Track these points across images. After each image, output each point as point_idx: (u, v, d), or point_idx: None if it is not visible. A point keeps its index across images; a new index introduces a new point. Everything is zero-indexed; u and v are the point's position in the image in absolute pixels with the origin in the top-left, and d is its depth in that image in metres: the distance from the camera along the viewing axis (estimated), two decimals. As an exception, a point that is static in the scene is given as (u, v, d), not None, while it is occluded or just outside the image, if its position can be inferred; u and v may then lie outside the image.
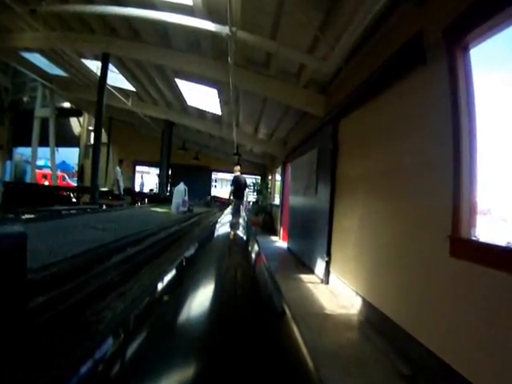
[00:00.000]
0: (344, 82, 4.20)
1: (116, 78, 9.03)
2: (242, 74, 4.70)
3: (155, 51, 5.30)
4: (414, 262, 2.54)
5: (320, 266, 4.51)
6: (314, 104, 4.79)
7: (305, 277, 4.63)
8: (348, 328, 3.02)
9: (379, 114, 3.28)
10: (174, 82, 6.45)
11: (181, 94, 7.13)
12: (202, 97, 7.02)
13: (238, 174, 7.05)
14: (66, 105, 17.07)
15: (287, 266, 5.56)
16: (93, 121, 17.61)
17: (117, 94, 8.71)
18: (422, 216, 2.47)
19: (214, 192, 19.12)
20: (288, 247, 7.02)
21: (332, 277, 4.24)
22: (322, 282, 4.38)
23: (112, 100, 10.07)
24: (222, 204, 5.97)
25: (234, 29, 3.34)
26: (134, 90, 8.52)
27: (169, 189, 11.52)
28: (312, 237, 4.96)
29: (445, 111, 2.25)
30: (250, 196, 17.62)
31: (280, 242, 8.09)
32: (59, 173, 20.60)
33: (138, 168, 16.80)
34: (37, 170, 24.35)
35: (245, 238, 1.37)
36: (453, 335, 2.00)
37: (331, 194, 4.25)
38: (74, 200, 7.81)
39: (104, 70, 5.74)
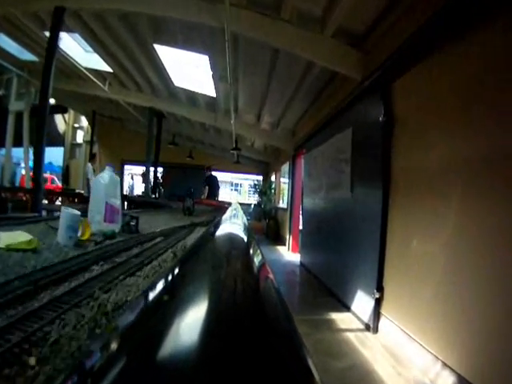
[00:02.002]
0: (396, 24, 2.72)
1: (90, 59, 7.65)
2: (242, 17, 3.21)
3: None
4: None
5: (363, 302, 3.00)
6: (346, 61, 3.30)
7: (337, 317, 3.11)
8: None
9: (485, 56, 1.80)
10: (154, 49, 4.95)
11: (164, 69, 5.63)
12: (190, 72, 5.54)
13: (210, 173, 7.38)
14: (52, 102, 15.69)
15: (305, 293, 4.05)
16: (79, 118, 16.24)
17: (89, 74, 7.25)
18: None
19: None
20: (301, 262, 5.49)
21: (385, 322, 2.72)
22: (366, 328, 2.86)
23: (87, 87, 8.64)
24: (216, 208, 4.46)
25: None
26: (110, 70, 7.02)
27: (157, 191, 10.05)
28: (345, 255, 3.45)
29: None
30: (251, 198, 16.11)
31: (289, 253, 6.56)
32: (48, 175, 19.37)
33: (135, 170, 15.37)
34: (24, 173, 23.16)
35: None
36: None
37: (384, 196, 2.75)
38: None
39: (56, 28, 4.24)
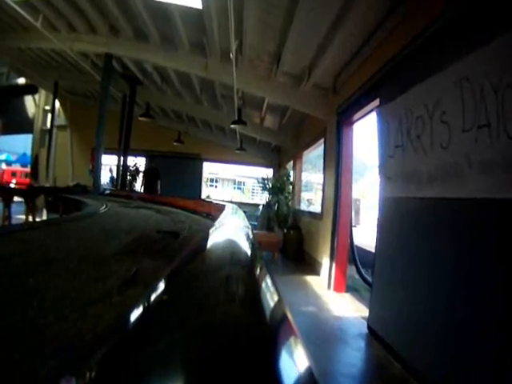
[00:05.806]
0: None
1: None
2: None
3: None
4: None
5: None
6: None
7: None
8: None
9: None
10: None
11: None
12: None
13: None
14: (22, 81, 13.38)
15: None
16: (51, 99, 13.59)
17: (13, 4, 4.55)
18: None
19: (213, 194, 14.66)
20: (374, 329, 2.67)
21: None
22: None
23: (32, 38, 5.93)
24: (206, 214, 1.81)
25: None
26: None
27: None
28: None
29: None
30: (256, 197, 13.40)
31: (330, 293, 3.79)
32: (28, 169, 17.18)
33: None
34: (5, 167, 20.96)
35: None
36: None
37: None
38: None
39: None
